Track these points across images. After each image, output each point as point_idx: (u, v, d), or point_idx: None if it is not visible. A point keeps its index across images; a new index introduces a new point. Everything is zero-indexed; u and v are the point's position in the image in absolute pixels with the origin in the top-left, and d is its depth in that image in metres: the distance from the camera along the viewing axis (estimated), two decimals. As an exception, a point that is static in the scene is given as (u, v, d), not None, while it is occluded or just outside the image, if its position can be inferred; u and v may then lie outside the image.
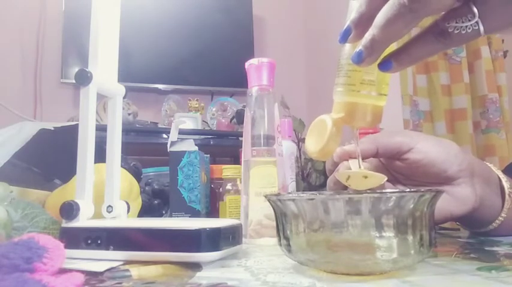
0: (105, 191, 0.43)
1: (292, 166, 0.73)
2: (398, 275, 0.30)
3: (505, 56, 1.79)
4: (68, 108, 1.89)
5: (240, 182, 0.59)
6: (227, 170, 0.65)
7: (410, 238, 0.29)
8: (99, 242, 0.37)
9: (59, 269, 0.29)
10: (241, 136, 0.58)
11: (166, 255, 0.35)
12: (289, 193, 0.61)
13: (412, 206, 0.29)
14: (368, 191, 0.36)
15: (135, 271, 0.33)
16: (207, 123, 1.97)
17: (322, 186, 0.92)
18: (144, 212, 0.62)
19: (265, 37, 2.28)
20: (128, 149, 0.53)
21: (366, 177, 0.37)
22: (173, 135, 0.66)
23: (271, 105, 0.54)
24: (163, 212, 0.71)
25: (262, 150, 0.52)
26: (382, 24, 0.30)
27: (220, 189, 0.67)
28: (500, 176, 0.47)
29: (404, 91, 1.58)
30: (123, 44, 0.48)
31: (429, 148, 0.44)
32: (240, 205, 0.54)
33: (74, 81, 0.43)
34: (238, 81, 1.72)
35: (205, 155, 0.69)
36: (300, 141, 0.99)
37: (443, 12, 0.30)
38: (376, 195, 0.29)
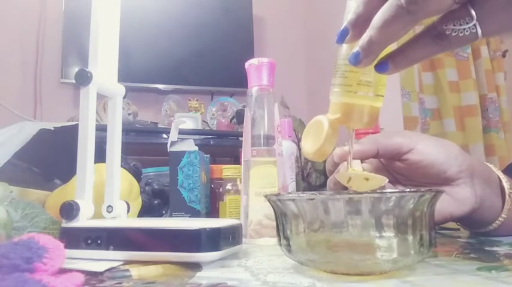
0: (105, 191, 0.43)
1: (292, 166, 0.73)
2: (398, 275, 0.30)
3: (504, 55, 1.79)
4: (68, 108, 1.89)
5: (240, 182, 0.59)
6: (227, 170, 0.65)
7: (410, 238, 0.29)
8: (99, 242, 0.37)
9: (59, 269, 0.29)
10: (241, 136, 0.58)
11: (166, 255, 0.35)
12: (289, 193, 0.61)
13: (412, 206, 0.29)
14: (368, 191, 0.36)
15: (135, 271, 0.33)
16: (207, 123, 1.97)
17: (322, 186, 0.92)
18: (144, 212, 0.62)
19: (265, 37, 2.28)
20: (127, 149, 0.53)
21: (367, 179, 0.37)
22: (173, 135, 0.66)
23: (271, 105, 0.54)
24: (163, 212, 0.71)
25: (262, 150, 0.52)
26: (380, 26, 0.29)
27: (220, 189, 0.67)
28: (500, 177, 0.47)
29: (411, 88, 1.56)
30: (123, 44, 0.48)
31: (429, 149, 0.44)
32: (240, 205, 0.54)
33: (74, 81, 0.43)
34: (238, 81, 1.72)
35: (205, 155, 0.69)
36: (300, 141, 0.99)
37: (441, 15, 0.30)
38: (376, 195, 0.29)
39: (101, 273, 0.32)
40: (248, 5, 2.16)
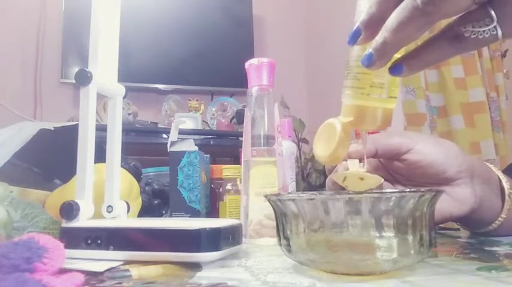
0: (105, 191, 0.43)
1: (292, 166, 0.73)
2: (398, 275, 0.30)
3: (504, 55, 1.79)
4: (68, 108, 1.89)
5: (240, 182, 0.59)
6: (227, 170, 0.65)
7: (410, 238, 0.29)
8: (99, 242, 0.37)
9: (59, 269, 0.29)
10: (241, 136, 0.58)
11: (166, 255, 0.35)
12: (289, 193, 0.61)
13: (412, 206, 0.29)
14: (368, 191, 0.36)
15: (135, 271, 0.33)
16: (207, 123, 1.97)
17: (322, 186, 0.92)
18: (144, 212, 0.62)
19: (265, 37, 2.28)
20: (127, 149, 0.53)
21: (362, 179, 0.37)
22: (173, 136, 0.66)
23: (271, 105, 0.54)
24: (163, 212, 0.71)
25: (262, 150, 0.52)
26: (394, 27, 0.29)
27: (220, 189, 0.67)
28: (500, 177, 0.47)
29: (417, 84, 1.54)
30: (123, 44, 0.48)
31: (428, 149, 0.44)
32: (240, 205, 0.54)
33: (74, 81, 0.43)
34: (238, 81, 1.72)
35: (205, 155, 0.69)
36: (300, 141, 1.00)
37: (457, 16, 0.29)
38: (376, 195, 0.29)
39: (101, 273, 0.32)
40: (248, 5, 2.16)
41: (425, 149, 0.44)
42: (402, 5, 0.28)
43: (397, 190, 0.45)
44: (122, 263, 0.35)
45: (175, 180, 0.62)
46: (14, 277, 0.25)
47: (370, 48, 0.30)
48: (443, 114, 1.62)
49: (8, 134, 0.54)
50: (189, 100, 1.96)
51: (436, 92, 1.63)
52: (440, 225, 0.49)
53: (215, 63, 2.05)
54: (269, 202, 0.33)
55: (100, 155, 0.43)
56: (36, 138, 0.53)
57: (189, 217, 0.61)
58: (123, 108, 0.86)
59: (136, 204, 0.56)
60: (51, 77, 1.93)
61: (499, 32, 0.28)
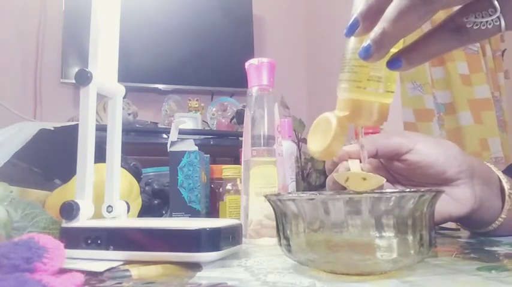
0: (105, 191, 0.43)
1: (292, 166, 0.73)
2: (398, 275, 0.30)
3: (502, 54, 1.79)
4: (68, 108, 1.89)
5: (240, 182, 0.59)
6: (227, 170, 0.65)
7: (410, 238, 0.29)
8: (99, 242, 0.37)
9: (59, 269, 0.29)
10: (241, 136, 0.58)
11: (166, 255, 0.35)
12: (289, 193, 0.61)
13: (412, 206, 0.29)
14: (368, 191, 0.36)
15: (135, 271, 0.33)
16: (207, 123, 1.97)
17: (322, 186, 0.92)
18: (144, 212, 0.62)
19: (265, 37, 2.28)
20: (127, 149, 0.53)
21: (364, 179, 0.37)
22: (173, 136, 0.66)
23: (271, 105, 0.54)
24: (163, 212, 0.71)
25: (262, 150, 0.52)
26: (394, 17, 0.28)
27: (220, 189, 0.67)
28: (500, 177, 0.47)
29: (424, 80, 1.51)
30: (123, 44, 0.48)
31: (428, 150, 0.44)
32: (240, 205, 0.54)
33: (74, 81, 0.43)
34: (238, 81, 1.73)
35: (205, 155, 0.69)
36: (300, 141, 1.00)
37: (459, 6, 0.28)
38: (376, 195, 0.29)
39: (101, 273, 0.32)
40: (248, 5, 2.16)
41: (426, 149, 0.44)
42: None
43: (397, 190, 0.45)
44: (121, 263, 0.35)
45: (175, 180, 0.62)
46: (14, 277, 0.25)
47: (368, 39, 0.29)
48: (450, 111, 1.58)
49: (8, 134, 0.54)
50: (189, 100, 1.96)
51: (443, 89, 1.59)
52: (440, 225, 0.49)
53: (215, 63, 2.05)
54: (269, 202, 0.33)
55: (100, 155, 0.43)
56: (36, 138, 0.53)
57: (189, 217, 0.61)
58: (123, 108, 0.87)
59: (136, 204, 0.56)
60: (51, 77, 1.93)
61: (503, 23, 0.27)
